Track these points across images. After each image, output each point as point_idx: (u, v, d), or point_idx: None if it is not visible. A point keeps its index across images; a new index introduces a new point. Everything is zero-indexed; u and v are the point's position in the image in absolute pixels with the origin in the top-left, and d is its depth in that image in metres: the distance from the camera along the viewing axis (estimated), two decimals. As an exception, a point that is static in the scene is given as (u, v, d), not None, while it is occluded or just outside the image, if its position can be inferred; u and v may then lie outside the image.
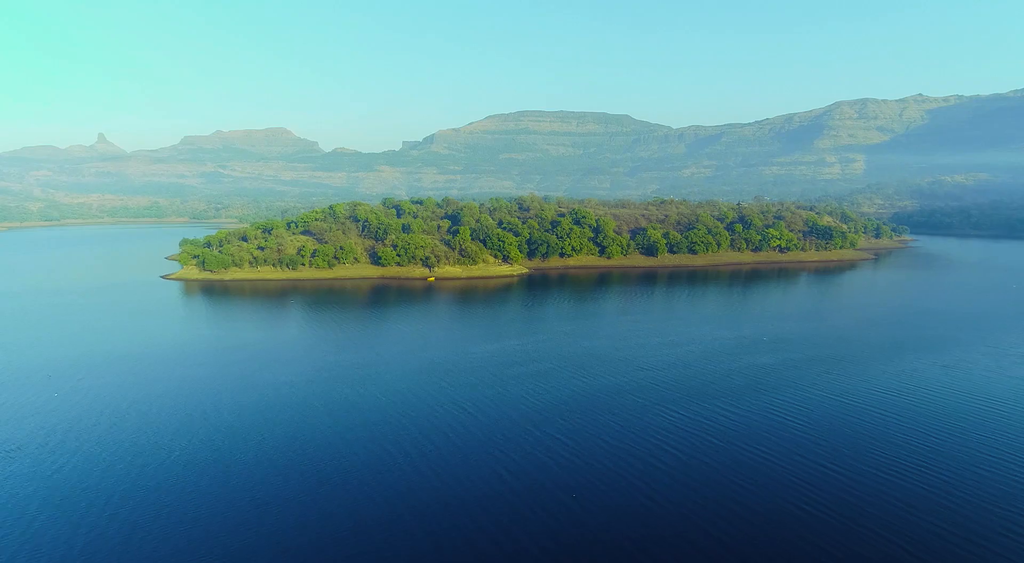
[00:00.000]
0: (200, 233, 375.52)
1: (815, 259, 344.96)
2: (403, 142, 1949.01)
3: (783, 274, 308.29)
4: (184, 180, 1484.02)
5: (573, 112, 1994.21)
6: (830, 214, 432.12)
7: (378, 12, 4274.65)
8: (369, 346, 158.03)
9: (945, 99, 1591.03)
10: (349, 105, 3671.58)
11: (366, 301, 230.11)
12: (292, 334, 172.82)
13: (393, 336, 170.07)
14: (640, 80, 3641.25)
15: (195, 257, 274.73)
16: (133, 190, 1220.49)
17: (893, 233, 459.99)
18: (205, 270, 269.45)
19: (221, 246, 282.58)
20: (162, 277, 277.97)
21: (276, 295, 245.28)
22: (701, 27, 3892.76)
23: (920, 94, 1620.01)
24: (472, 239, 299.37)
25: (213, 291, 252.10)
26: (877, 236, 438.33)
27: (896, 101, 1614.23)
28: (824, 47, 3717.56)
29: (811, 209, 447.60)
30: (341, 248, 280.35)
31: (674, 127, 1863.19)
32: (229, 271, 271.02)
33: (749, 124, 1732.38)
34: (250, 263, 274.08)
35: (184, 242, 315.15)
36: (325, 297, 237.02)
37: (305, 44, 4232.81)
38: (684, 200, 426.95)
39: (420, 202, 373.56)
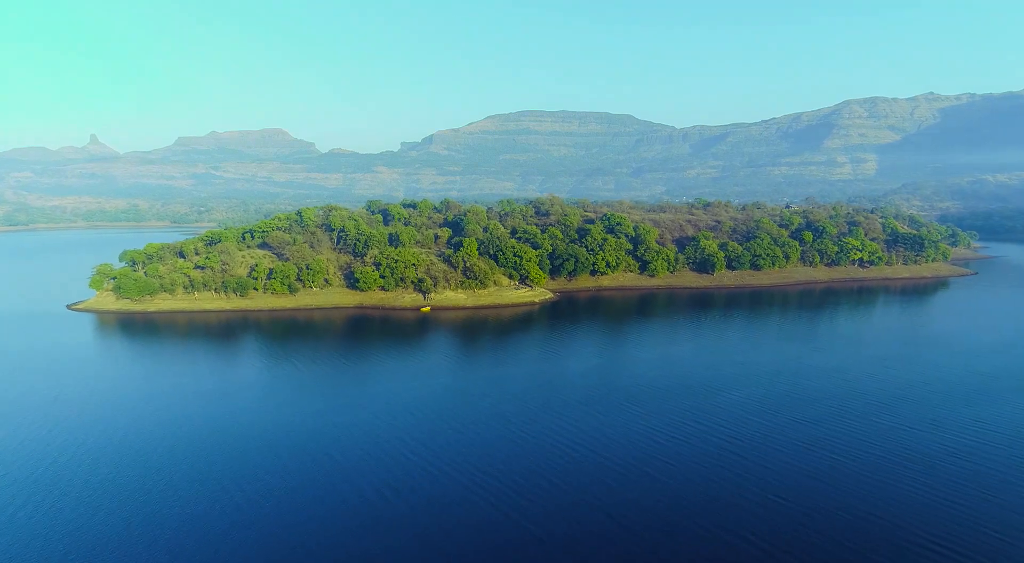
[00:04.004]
0: (179, 238, 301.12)
1: (904, 275, 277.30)
2: (401, 143, 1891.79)
3: (868, 293, 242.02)
4: (173, 182, 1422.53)
5: (574, 112, 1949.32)
6: (896, 219, 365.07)
7: (376, 11, 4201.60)
8: (308, 467, 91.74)
9: (957, 97, 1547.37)
10: (347, 105, 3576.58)
11: (330, 347, 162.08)
12: (202, 419, 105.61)
13: (352, 437, 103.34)
14: (642, 79, 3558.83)
15: (112, 280, 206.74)
16: (119, 192, 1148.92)
17: (970, 240, 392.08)
18: (123, 298, 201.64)
19: (148, 264, 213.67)
20: (69, 307, 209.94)
21: (216, 333, 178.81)
22: (704, 24, 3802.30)
23: (931, 92, 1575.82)
24: (480, 254, 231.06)
25: (132, 327, 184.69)
26: (953, 244, 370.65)
27: (907, 100, 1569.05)
28: (831, 45, 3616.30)
29: (872, 212, 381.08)
30: (307, 267, 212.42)
31: (678, 127, 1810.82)
32: (156, 299, 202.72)
33: (755, 123, 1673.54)
34: (185, 288, 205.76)
35: (124, 254, 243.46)
36: (280, 337, 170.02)
37: (303, 44, 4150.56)
38: (728, 202, 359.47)
39: (414, 205, 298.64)
